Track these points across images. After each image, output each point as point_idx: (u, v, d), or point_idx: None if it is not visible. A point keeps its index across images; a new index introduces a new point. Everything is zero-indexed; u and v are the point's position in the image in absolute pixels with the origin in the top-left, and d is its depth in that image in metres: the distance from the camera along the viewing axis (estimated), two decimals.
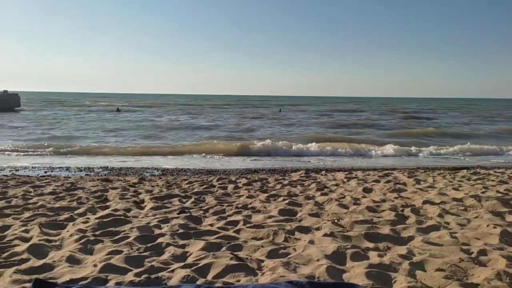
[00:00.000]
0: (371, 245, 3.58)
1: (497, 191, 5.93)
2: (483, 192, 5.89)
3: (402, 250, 3.40)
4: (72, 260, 3.18)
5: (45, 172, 9.64)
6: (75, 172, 9.77)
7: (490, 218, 4.39)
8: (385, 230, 4.01)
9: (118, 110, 41.54)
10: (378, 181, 7.22)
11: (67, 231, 4.00)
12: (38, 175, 9.05)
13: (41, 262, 3.14)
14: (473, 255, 3.20)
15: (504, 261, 3.00)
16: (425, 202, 5.27)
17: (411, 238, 3.79)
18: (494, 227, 3.96)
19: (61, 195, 6.03)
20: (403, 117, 37.14)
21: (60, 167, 10.44)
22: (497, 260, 3.05)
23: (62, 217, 4.57)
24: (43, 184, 7.10)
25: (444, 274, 2.84)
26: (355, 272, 2.89)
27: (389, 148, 14.73)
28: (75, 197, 5.80)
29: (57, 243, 3.68)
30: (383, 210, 4.87)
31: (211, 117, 34.48)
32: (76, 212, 4.84)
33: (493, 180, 7.22)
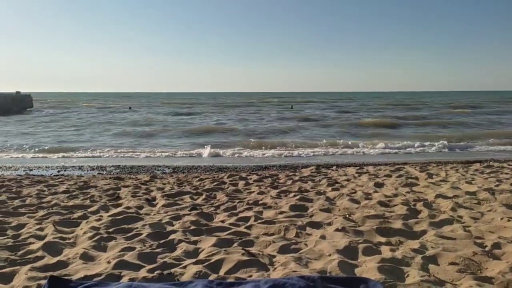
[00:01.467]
0: (383, 239, 3.57)
1: (511, 184, 5.85)
2: (496, 185, 5.82)
3: (415, 244, 3.37)
4: (86, 257, 3.22)
5: (58, 171, 9.76)
6: (87, 171, 9.87)
7: (504, 211, 4.34)
8: (397, 224, 3.99)
9: (130, 108, 41.83)
10: (389, 176, 7.17)
11: (81, 229, 4.06)
12: (51, 174, 9.17)
13: (55, 259, 3.18)
14: (486, 249, 3.17)
15: None
16: (437, 196, 5.22)
17: (423, 232, 3.76)
18: (508, 220, 3.92)
19: (74, 193, 6.10)
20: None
21: (73, 166, 10.56)
22: (511, 253, 3.02)
23: (75, 215, 4.63)
24: (57, 183, 7.19)
25: (458, 268, 2.82)
26: (367, 266, 2.88)
27: None
28: (88, 196, 5.87)
29: (71, 240, 3.73)
30: (395, 205, 4.83)
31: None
32: (89, 210, 4.90)
33: (507, 173, 7.13)
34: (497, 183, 6.05)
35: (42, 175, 8.81)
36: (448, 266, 2.86)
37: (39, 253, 3.32)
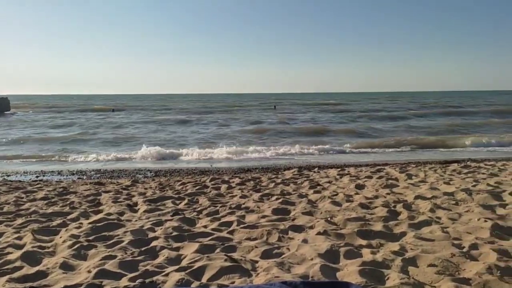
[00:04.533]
0: (364, 242, 3.61)
1: (488, 184, 6.00)
2: (473, 186, 5.96)
3: (395, 246, 3.43)
4: (66, 267, 3.17)
5: (37, 176, 9.58)
6: (67, 176, 9.70)
7: (481, 211, 4.44)
8: (378, 226, 4.05)
9: (113, 111, 40.91)
10: (370, 177, 7.26)
11: (60, 237, 3.99)
12: (30, 180, 8.98)
13: (34, 269, 3.12)
14: (464, 250, 3.24)
15: (495, 255, 3.04)
16: (416, 197, 5.31)
17: (403, 234, 3.82)
18: (485, 221, 4.01)
19: (53, 200, 6.00)
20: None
21: (52, 171, 10.37)
22: (488, 254, 3.10)
23: (54, 223, 4.55)
24: (35, 189, 7.05)
25: (436, 270, 2.87)
26: (349, 270, 2.92)
27: None
28: (68, 202, 5.77)
29: (50, 249, 3.67)
30: (376, 207, 4.90)
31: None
32: (69, 217, 4.82)
33: (483, 173, 7.31)
34: (474, 183, 6.19)
35: (20, 181, 8.63)
36: (427, 268, 2.92)
37: (18, 263, 3.25)
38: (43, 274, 3.03)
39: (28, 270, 3.12)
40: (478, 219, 4.12)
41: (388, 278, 2.77)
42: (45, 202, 5.85)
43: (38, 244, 3.76)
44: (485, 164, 8.80)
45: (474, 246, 3.31)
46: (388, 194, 5.70)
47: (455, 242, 3.44)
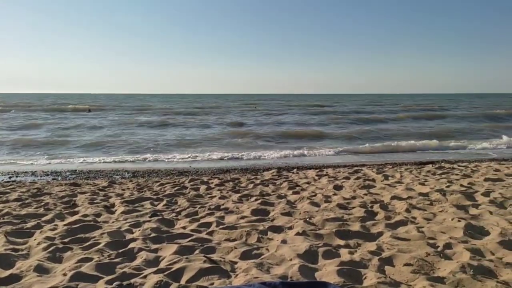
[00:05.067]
0: (342, 242, 3.66)
1: (461, 185, 6.17)
2: (447, 186, 6.11)
3: (372, 246, 3.49)
4: (40, 270, 3.10)
5: (10, 177, 9.31)
6: (41, 176, 9.47)
7: (454, 211, 4.57)
8: (356, 227, 4.11)
9: (89, 111, 39.68)
10: (348, 178, 7.36)
11: (35, 239, 3.90)
12: (2, 180, 8.73)
13: (7, 272, 3.04)
14: (439, 249, 3.32)
15: (468, 254, 3.13)
16: (393, 198, 5.42)
17: (380, 234, 3.89)
18: (459, 221, 4.12)
19: (27, 201, 5.85)
20: None
21: (26, 172, 10.11)
22: (462, 253, 3.19)
23: (28, 225, 4.44)
24: (8, 190, 6.86)
25: (412, 269, 2.94)
26: (327, 270, 2.95)
27: None
28: (42, 203, 5.64)
29: (24, 252, 3.57)
30: (353, 207, 4.97)
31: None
32: (43, 219, 4.71)
33: (457, 174, 7.50)
34: (448, 184, 6.35)
35: None
36: (403, 267, 2.98)
37: None
38: (16, 277, 2.95)
39: (1, 273, 3.03)
40: (452, 219, 4.23)
41: (365, 278, 2.82)
42: (19, 203, 5.69)
43: (12, 246, 3.67)
44: (458, 166, 9.03)
45: (448, 246, 3.40)
46: (365, 194, 5.79)
47: (430, 241, 3.53)
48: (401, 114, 32.84)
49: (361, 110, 39.69)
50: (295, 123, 26.75)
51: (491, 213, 4.46)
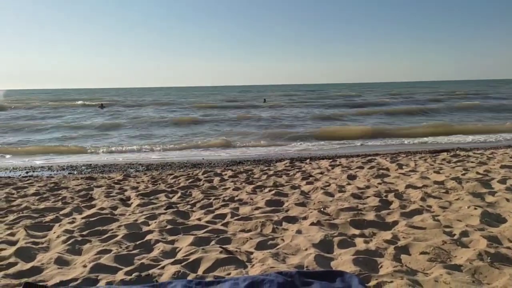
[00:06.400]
0: (357, 231, 3.66)
1: (477, 173, 6.10)
2: (463, 174, 6.04)
3: (387, 235, 3.48)
4: (60, 262, 3.17)
5: (27, 172, 9.49)
6: (57, 171, 9.63)
7: (470, 199, 4.52)
8: (370, 216, 4.10)
9: (102, 106, 39.53)
10: (362, 168, 7.33)
11: (54, 233, 3.97)
12: (19, 176, 8.90)
13: (29, 265, 3.11)
14: (455, 237, 3.30)
15: (485, 242, 3.11)
16: (407, 187, 5.38)
17: (395, 223, 3.88)
18: (475, 209, 4.08)
19: (45, 195, 5.96)
20: None
21: (42, 167, 10.28)
22: (478, 241, 3.16)
23: (47, 218, 4.53)
24: (26, 185, 7.00)
25: (428, 257, 2.93)
26: (343, 259, 2.96)
27: None
28: (60, 197, 5.74)
29: (44, 245, 3.65)
30: (368, 197, 4.96)
31: None
32: (61, 212, 4.80)
33: (472, 162, 7.41)
34: (463, 171, 6.28)
35: (9, 177, 8.55)
36: (419, 256, 2.97)
37: (12, 259, 3.23)
38: (38, 270, 3.02)
39: (22, 266, 3.11)
40: (468, 207, 4.19)
41: (381, 266, 2.82)
42: (37, 197, 5.81)
43: (32, 240, 3.75)
44: (474, 153, 8.92)
45: (464, 234, 3.37)
46: (379, 184, 5.76)
47: (446, 229, 3.51)
48: None
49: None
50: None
51: (507, 200, 4.41)
